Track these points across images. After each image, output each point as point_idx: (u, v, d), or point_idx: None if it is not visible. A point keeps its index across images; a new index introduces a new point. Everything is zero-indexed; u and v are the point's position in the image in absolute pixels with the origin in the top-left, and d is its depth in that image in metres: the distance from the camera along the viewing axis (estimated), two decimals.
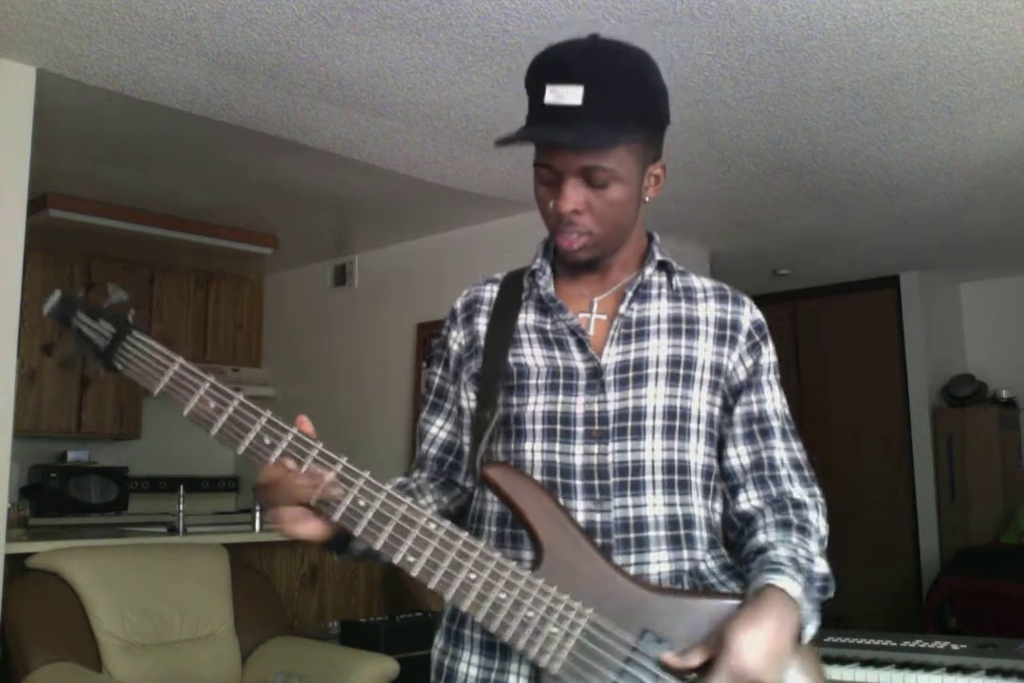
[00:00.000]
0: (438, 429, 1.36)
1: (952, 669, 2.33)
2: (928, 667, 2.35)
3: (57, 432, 5.29)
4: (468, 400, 1.32)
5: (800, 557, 1.17)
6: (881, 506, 5.85)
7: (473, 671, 1.22)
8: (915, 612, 5.44)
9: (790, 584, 1.12)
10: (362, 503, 1.10)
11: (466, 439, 1.33)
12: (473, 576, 1.10)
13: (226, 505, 5.89)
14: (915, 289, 5.92)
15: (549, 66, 1.18)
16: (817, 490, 1.31)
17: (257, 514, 4.10)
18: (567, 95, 1.14)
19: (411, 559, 1.10)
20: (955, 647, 2.48)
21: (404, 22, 2.72)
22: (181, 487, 4.22)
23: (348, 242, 5.32)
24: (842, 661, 2.46)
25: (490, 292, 1.36)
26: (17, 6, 2.63)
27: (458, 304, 1.38)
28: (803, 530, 1.22)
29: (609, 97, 1.14)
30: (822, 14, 2.67)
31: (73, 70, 3.03)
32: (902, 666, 2.38)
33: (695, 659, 1.09)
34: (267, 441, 1.10)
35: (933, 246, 5.33)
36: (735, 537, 1.29)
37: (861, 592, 5.73)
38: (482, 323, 1.33)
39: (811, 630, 1.15)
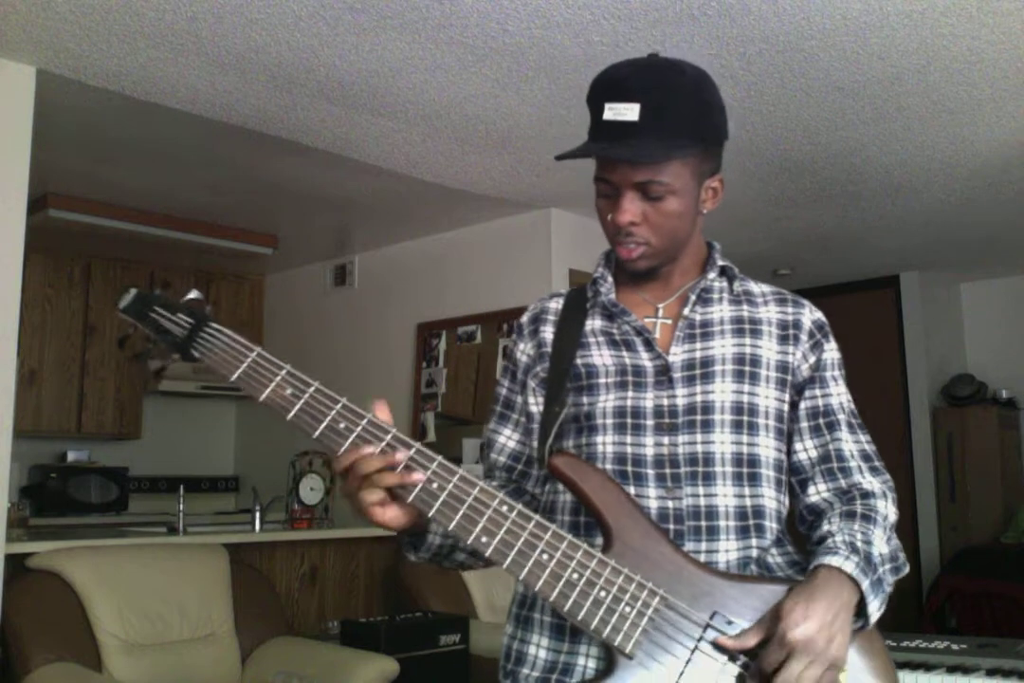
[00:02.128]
0: (506, 438, 1.40)
1: (952, 669, 2.33)
2: (928, 667, 2.35)
3: (57, 432, 5.29)
4: (536, 405, 1.36)
5: (858, 540, 1.19)
6: None
7: (543, 653, 1.25)
8: (915, 612, 5.44)
9: (842, 562, 1.14)
10: (435, 485, 1.13)
11: (535, 444, 1.35)
12: (546, 556, 1.12)
13: (226, 505, 5.89)
14: (915, 289, 5.92)
15: (608, 84, 1.23)
16: (887, 477, 1.33)
17: (257, 514, 4.10)
18: (624, 112, 1.19)
19: (484, 539, 1.12)
20: (955, 647, 2.48)
21: (404, 22, 2.72)
22: (181, 487, 4.22)
23: (348, 242, 5.32)
24: None
25: (556, 304, 1.41)
26: (17, 6, 2.63)
27: (525, 318, 1.43)
28: (867, 518, 1.24)
29: (664, 113, 1.19)
30: (822, 14, 2.67)
31: (73, 70, 3.03)
32: (902, 666, 2.38)
33: (751, 640, 1.12)
34: (342, 426, 1.14)
35: (933, 246, 5.33)
36: (805, 530, 1.31)
37: None
38: (548, 331, 1.38)
39: (876, 605, 1.16)
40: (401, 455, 1.13)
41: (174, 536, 3.90)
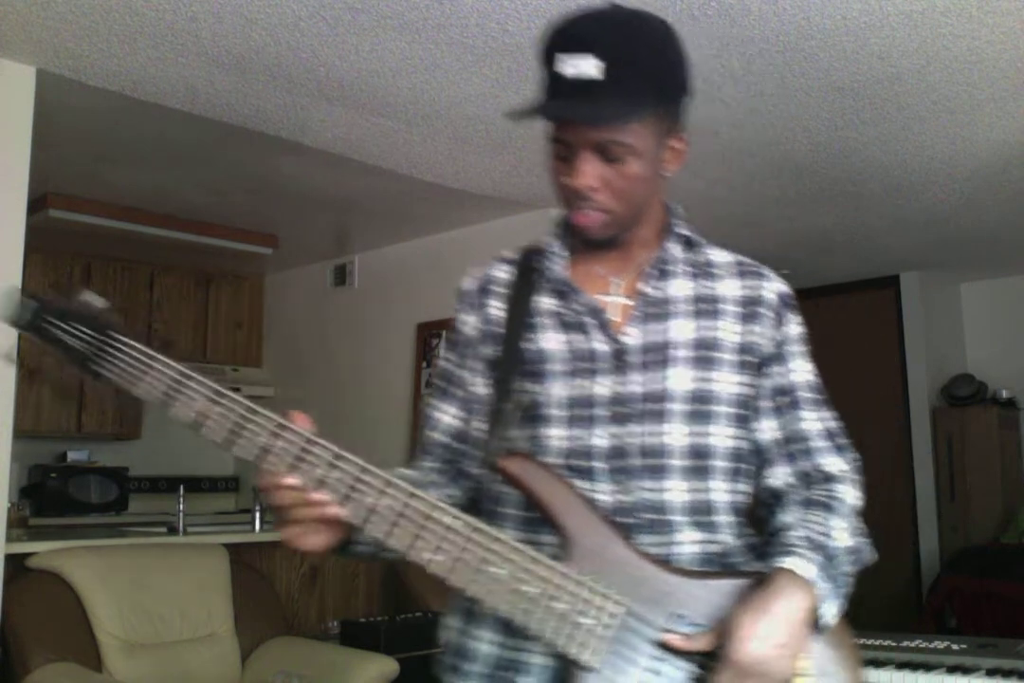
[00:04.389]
0: (447, 415, 1.31)
1: (952, 669, 2.33)
2: (928, 667, 2.35)
3: (57, 432, 5.29)
4: (482, 386, 1.27)
5: (816, 534, 1.14)
6: (881, 506, 5.85)
7: (491, 649, 1.17)
8: (915, 612, 5.44)
9: (801, 564, 1.09)
10: (375, 500, 1.05)
11: (477, 425, 1.28)
12: (503, 572, 1.06)
13: (226, 505, 5.89)
14: (915, 289, 5.92)
15: (565, 36, 1.13)
16: (853, 456, 1.27)
17: (257, 514, 4.10)
18: (584, 67, 1.09)
19: (434, 557, 1.05)
20: (955, 647, 2.48)
21: (404, 22, 2.72)
22: (181, 487, 4.22)
23: (348, 242, 5.32)
24: None
25: (504, 273, 1.31)
26: (17, 6, 2.63)
27: (471, 287, 1.32)
28: (827, 506, 1.19)
29: (628, 69, 1.10)
30: (822, 14, 2.67)
31: (73, 70, 3.03)
32: (902, 666, 2.38)
33: (699, 644, 1.07)
34: (261, 441, 1.05)
35: (933, 246, 5.33)
36: (765, 514, 1.26)
37: (861, 592, 5.72)
38: (496, 306, 1.28)
39: (830, 610, 1.11)
40: (329, 500, 1.04)
41: (174, 536, 3.90)
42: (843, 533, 1.18)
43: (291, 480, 1.04)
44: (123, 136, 3.67)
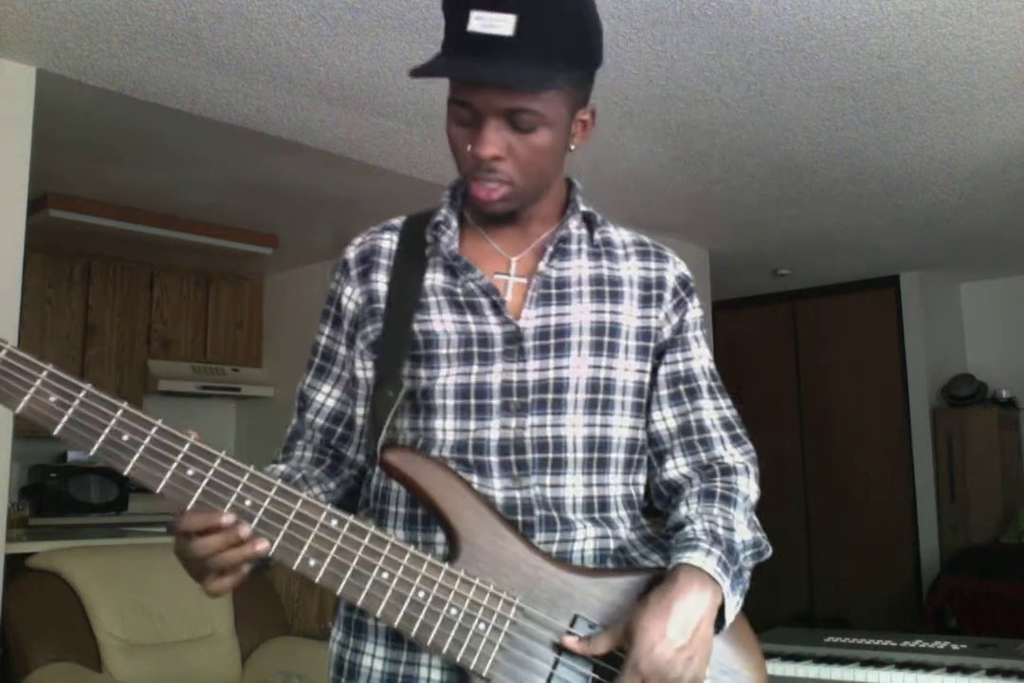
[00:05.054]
0: (325, 396, 1.22)
1: (952, 669, 2.33)
2: (928, 667, 2.36)
3: None
4: (364, 369, 1.19)
5: (719, 527, 1.09)
6: (881, 506, 5.85)
7: (379, 664, 1.09)
8: (915, 612, 5.44)
9: (704, 559, 1.04)
10: (249, 502, 0.97)
11: (359, 411, 1.20)
12: (386, 575, 0.98)
13: None
14: (915, 289, 5.92)
15: None
16: (749, 447, 1.23)
17: None
18: (497, 24, 1.00)
19: (313, 562, 0.97)
20: (955, 647, 2.49)
21: (404, 22, 2.72)
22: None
23: (348, 242, 5.31)
24: (842, 661, 2.47)
25: (389, 243, 1.21)
26: (17, 6, 2.63)
27: (351, 254, 1.23)
28: (727, 499, 1.14)
29: (544, 31, 1.01)
30: (822, 14, 2.67)
31: (73, 70, 3.03)
32: (902, 666, 2.39)
33: (600, 647, 1.02)
34: (162, 464, 0.96)
35: (933, 246, 5.33)
36: (662, 507, 1.21)
37: (861, 592, 5.74)
38: (380, 281, 1.18)
39: (733, 606, 1.06)
40: (245, 528, 0.95)
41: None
42: (744, 526, 1.13)
43: (227, 519, 0.96)
44: (123, 136, 3.67)
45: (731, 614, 1.06)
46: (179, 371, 5.54)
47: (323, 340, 1.24)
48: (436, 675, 1.05)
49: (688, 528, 1.10)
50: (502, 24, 1.00)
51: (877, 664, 2.42)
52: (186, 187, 4.33)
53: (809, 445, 6.07)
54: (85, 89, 3.16)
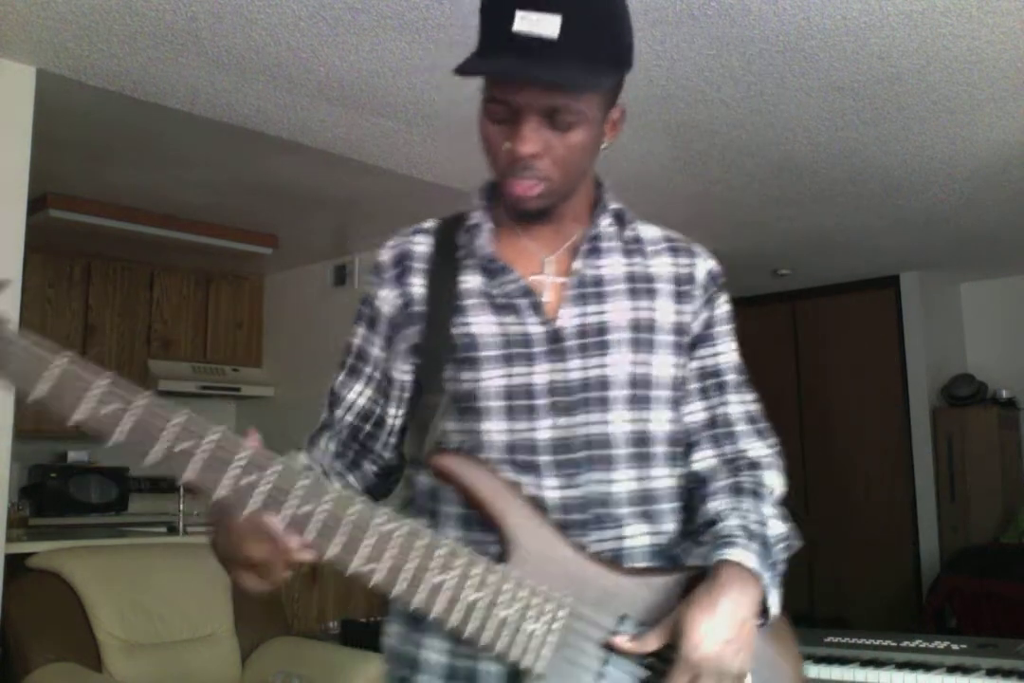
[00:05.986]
0: (356, 394, 1.23)
1: (952, 669, 2.33)
2: (928, 667, 2.36)
3: (57, 432, 5.27)
4: (402, 372, 1.20)
5: (751, 522, 1.12)
6: (881, 506, 5.85)
7: (442, 657, 1.11)
8: (915, 612, 5.44)
9: (744, 555, 1.07)
10: (306, 509, 0.97)
11: (391, 410, 1.22)
12: (442, 578, 1.01)
13: None
14: (915, 289, 5.92)
15: None
16: (774, 441, 1.26)
17: None
18: (542, 25, 1.01)
19: (370, 567, 0.99)
20: (955, 647, 2.49)
21: (404, 22, 2.72)
22: (181, 487, 4.22)
23: (348, 242, 5.31)
24: (842, 661, 2.47)
25: (423, 246, 1.23)
26: (17, 6, 2.63)
27: (385, 257, 1.24)
28: (756, 494, 1.17)
29: (587, 32, 1.03)
30: (822, 14, 2.67)
31: (73, 70, 3.03)
32: (902, 666, 2.39)
33: (649, 645, 1.05)
34: (236, 472, 0.96)
35: (933, 246, 5.33)
36: (690, 498, 1.23)
37: (861, 592, 5.74)
38: (417, 284, 1.19)
39: (775, 600, 1.09)
40: (295, 538, 0.96)
41: (174, 536, 3.90)
42: (776, 520, 1.16)
43: (281, 527, 0.96)
44: (123, 136, 3.67)
45: (775, 606, 1.09)
46: (179, 371, 5.54)
47: (357, 340, 1.25)
48: (495, 667, 1.08)
49: (723, 525, 1.13)
50: (548, 25, 1.01)
51: (877, 664, 2.42)
52: (186, 187, 4.33)
53: (809, 445, 6.06)
54: (85, 89, 3.16)
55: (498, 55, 1.05)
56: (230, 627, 3.35)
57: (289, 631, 3.57)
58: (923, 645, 2.51)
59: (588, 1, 1.05)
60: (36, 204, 4.20)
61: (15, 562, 3.08)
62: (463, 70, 1.06)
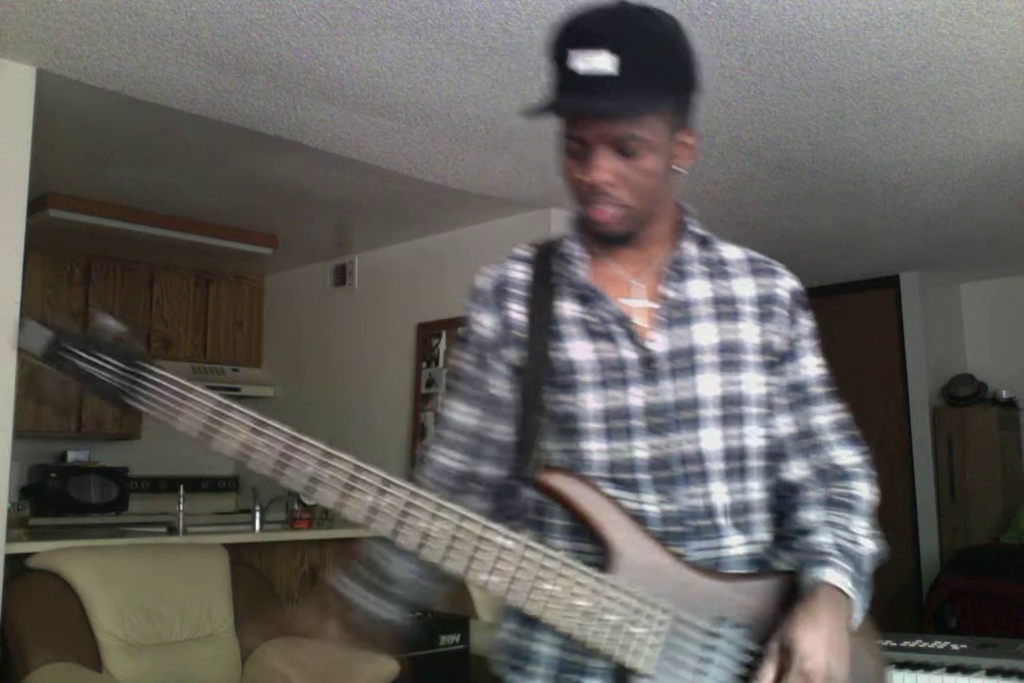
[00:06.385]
0: (463, 416, 1.31)
1: (952, 669, 2.33)
2: (928, 667, 2.35)
3: (57, 432, 5.29)
4: (505, 391, 1.27)
5: (845, 541, 1.22)
6: (881, 506, 5.81)
7: (553, 651, 1.20)
8: (915, 612, 5.43)
9: (840, 578, 1.17)
10: (428, 525, 1.10)
11: (499, 427, 1.29)
12: (559, 588, 1.12)
13: (226, 505, 5.89)
14: (915, 289, 5.92)
15: (576, 32, 1.14)
16: (863, 448, 1.34)
17: (257, 514, 4.10)
18: (598, 63, 1.11)
19: (491, 578, 1.11)
20: (955, 647, 2.48)
21: (404, 22, 2.72)
22: (181, 487, 4.22)
23: (348, 242, 5.31)
24: None
25: (521, 273, 1.29)
26: (17, 6, 2.63)
27: (486, 285, 1.31)
28: (848, 506, 1.26)
29: (640, 64, 1.12)
30: (822, 14, 2.67)
31: (73, 70, 3.03)
32: (902, 666, 2.38)
33: (768, 674, 1.13)
34: (309, 470, 1.11)
35: (933, 246, 5.33)
36: (782, 507, 1.30)
37: None
38: (516, 310, 1.27)
39: (859, 616, 1.21)
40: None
41: (174, 536, 3.90)
42: (867, 538, 1.26)
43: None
44: (123, 136, 3.67)
45: (859, 618, 1.22)
46: (179, 371, 5.48)
47: (460, 364, 1.33)
48: (602, 662, 1.16)
49: (818, 540, 1.22)
50: (601, 62, 1.11)
51: None
52: (186, 187, 4.33)
53: None
54: (85, 89, 3.16)
55: (567, 94, 1.15)
56: (230, 627, 3.35)
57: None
58: (923, 645, 2.50)
59: (638, 36, 1.13)
60: (36, 204, 4.20)
61: (15, 562, 3.08)
62: (534, 112, 1.15)
